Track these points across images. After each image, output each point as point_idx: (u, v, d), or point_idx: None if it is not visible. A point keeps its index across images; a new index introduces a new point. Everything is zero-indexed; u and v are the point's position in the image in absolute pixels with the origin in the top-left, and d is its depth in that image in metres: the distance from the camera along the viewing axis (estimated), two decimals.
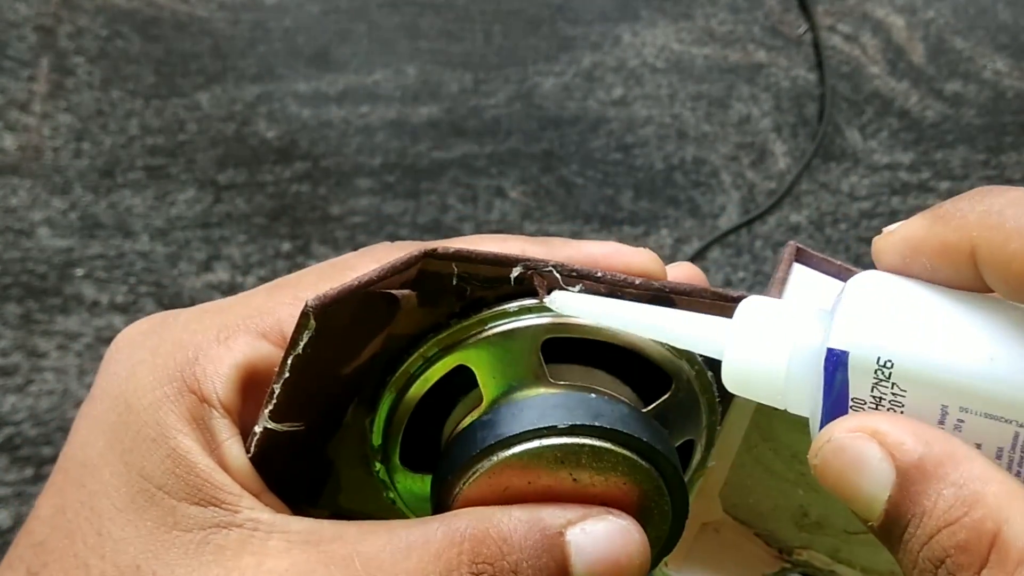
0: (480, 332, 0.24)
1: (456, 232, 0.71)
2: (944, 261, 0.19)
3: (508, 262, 0.24)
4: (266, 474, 0.23)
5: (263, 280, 0.69)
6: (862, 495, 0.19)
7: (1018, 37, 0.84)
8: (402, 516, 0.27)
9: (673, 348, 0.25)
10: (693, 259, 0.71)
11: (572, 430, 0.23)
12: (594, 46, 0.82)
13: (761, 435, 0.30)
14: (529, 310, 0.25)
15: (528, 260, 0.24)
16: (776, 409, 0.22)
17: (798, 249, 0.27)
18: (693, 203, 0.74)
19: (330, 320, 0.22)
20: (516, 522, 0.22)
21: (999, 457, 0.18)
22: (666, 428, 0.25)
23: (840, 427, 0.19)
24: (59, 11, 0.79)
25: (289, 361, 0.22)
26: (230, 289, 0.68)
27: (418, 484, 0.26)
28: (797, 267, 0.24)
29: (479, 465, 0.23)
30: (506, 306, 0.25)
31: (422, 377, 0.25)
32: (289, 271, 0.78)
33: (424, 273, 0.24)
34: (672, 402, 0.26)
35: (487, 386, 0.24)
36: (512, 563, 0.21)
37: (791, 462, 0.30)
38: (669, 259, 0.75)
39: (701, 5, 0.86)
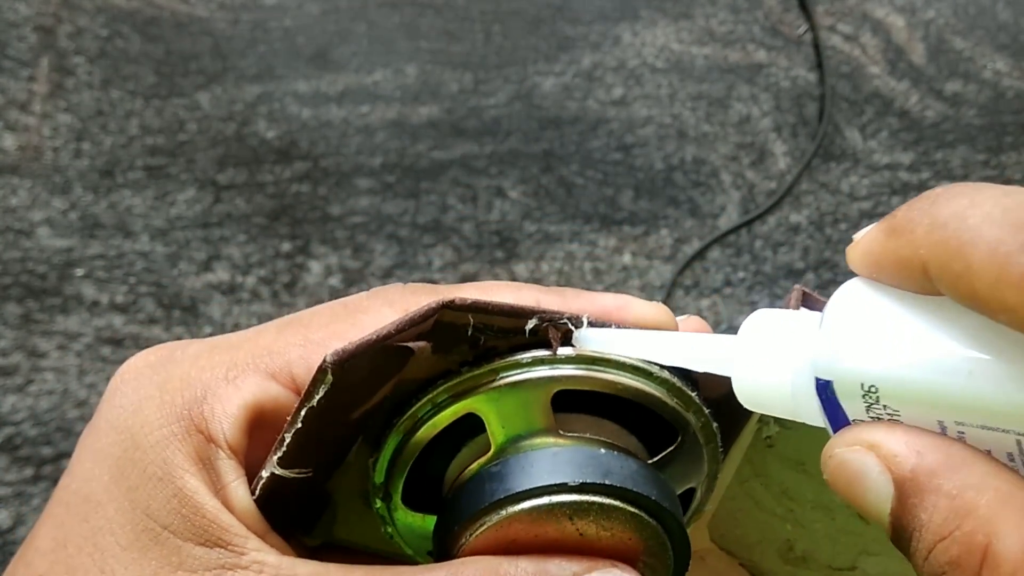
0: (492, 381, 0.25)
1: (456, 232, 0.71)
2: (903, 276, 0.19)
3: (524, 314, 0.25)
4: (269, 512, 0.23)
5: (263, 280, 0.69)
6: (868, 509, 0.19)
7: (1018, 37, 0.84)
8: (399, 551, 0.27)
9: (681, 401, 0.26)
10: (693, 259, 0.71)
11: (583, 488, 0.23)
12: (594, 46, 0.82)
13: (753, 470, 0.30)
14: (542, 361, 0.25)
15: (543, 312, 0.25)
16: (770, 447, 0.22)
17: (804, 293, 0.27)
18: (693, 203, 0.74)
19: (347, 374, 0.23)
20: (523, 573, 0.22)
21: (1011, 461, 0.18)
22: (670, 476, 0.25)
23: (840, 441, 0.19)
24: (59, 11, 0.79)
25: (303, 413, 0.22)
26: (230, 289, 0.68)
27: (418, 521, 0.26)
28: (804, 311, 0.24)
29: (487, 518, 0.23)
30: (519, 356, 0.25)
31: (430, 422, 0.25)
32: (289, 271, 0.78)
33: (440, 323, 0.24)
34: (678, 453, 0.26)
35: (496, 434, 0.25)
36: None
37: (780, 498, 0.30)
38: (669, 259, 0.75)
39: (701, 5, 0.85)
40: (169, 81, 0.77)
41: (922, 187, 0.77)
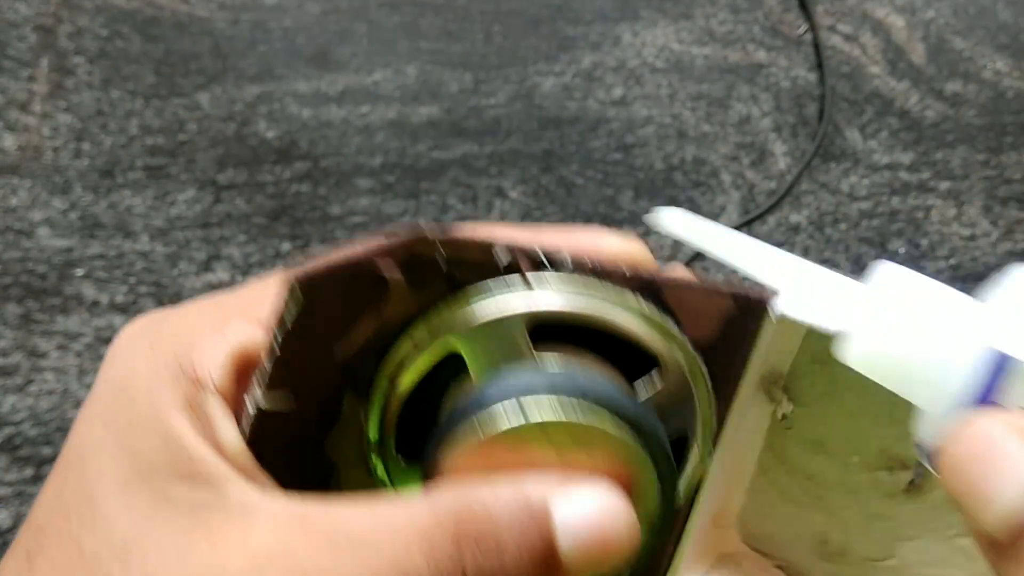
0: (465, 315, 0.25)
1: None
2: None
3: (493, 246, 0.25)
4: (267, 466, 0.23)
5: None
6: (988, 499, 0.17)
7: (1018, 37, 0.84)
8: None
9: (664, 334, 0.25)
10: (693, 259, 0.71)
11: (559, 404, 0.23)
12: (594, 46, 0.82)
13: (775, 456, 0.29)
14: (510, 287, 0.25)
15: (514, 244, 0.25)
16: (788, 429, 0.21)
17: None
18: (693, 203, 0.74)
19: (317, 295, 0.23)
20: (500, 496, 0.22)
21: None
22: (658, 415, 0.25)
23: (990, 417, 0.17)
24: (59, 11, 0.79)
25: (278, 337, 0.23)
26: (230, 289, 0.68)
27: (418, 482, 0.26)
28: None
29: (463, 439, 0.23)
30: (489, 281, 0.25)
31: (413, 365, 0.25)
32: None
33: (414, 258, 0.24)
34: (663, 391, 0.26)
35: (475, 369, 0.25)
36: (497, 540, 0.21)
37: (806, 485, 0.29)
38: (669, 259, 0.75)
39: (701, 5, 0.85)
40: (169, 81, 0.77)
41: (922, 187, 0.77)
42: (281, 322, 0.23)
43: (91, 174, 0.72)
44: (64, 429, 0.62)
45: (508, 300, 0.25)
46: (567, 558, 0.21)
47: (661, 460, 0.24)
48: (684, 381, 0.26)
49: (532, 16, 0.84)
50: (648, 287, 0.25)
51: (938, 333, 0.19)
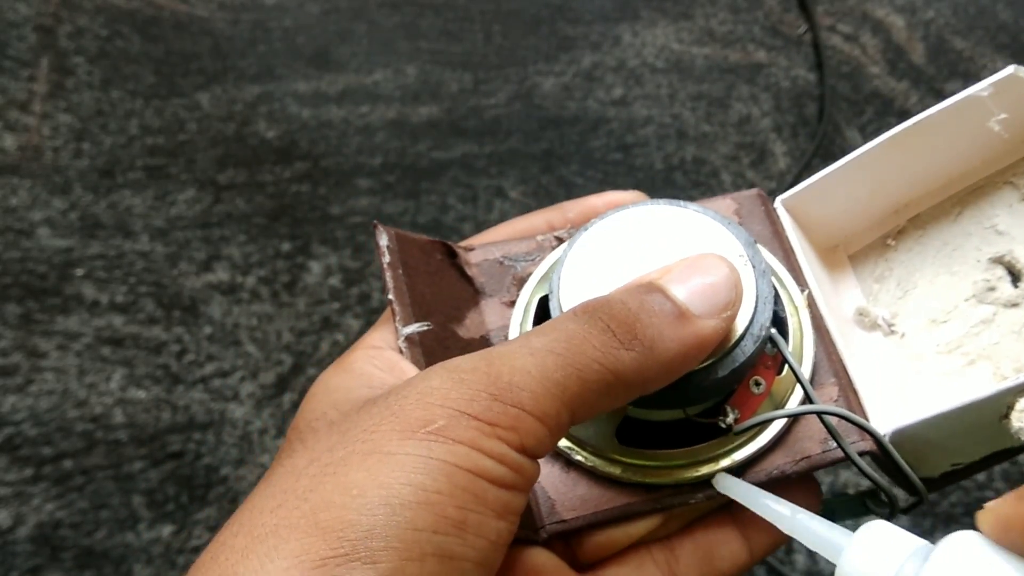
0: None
1: (456, 232, 0.71)
2: None
3: (531, 235, 0.33)
4: None
5: (263, 280, 0.69)
6: None
7: (1018, 37, 0.84)
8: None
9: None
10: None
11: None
12: (594, 46, 0.82)
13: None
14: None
15: (543, 234, 0.33)
16: (902, 336, 0.28)
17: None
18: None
19: (402, 244, 0.30)
20: (615, 291, 0.26)
21: None
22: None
23: None
24: (59, 11, 0.79)
25: (387, 274, 0.30)
26: (230, 289, 0.68)
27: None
28: (915, 538, 0.25)
29: None
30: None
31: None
32: (289, 271, 0.78)
33: (474, 263, 0.33)
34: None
35: None
36: (619, 301, 0.25)
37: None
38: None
39: (701, 5, 0.85)
40: (169, 81, 0.77)
41: None
42: (383, 256, 0.30)
43: (91, 174, 0.72)
44: (64, 429, 0.62)
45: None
46: (688, 302, 0.25)
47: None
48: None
49: (532, 16, 0.84)
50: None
51: None
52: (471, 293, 0.32)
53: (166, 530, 0.58)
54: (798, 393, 0.30)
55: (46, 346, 0.64)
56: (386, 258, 0.30)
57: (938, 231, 0.34)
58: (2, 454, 0.61)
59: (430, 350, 0.29)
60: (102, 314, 0.66)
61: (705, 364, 0.27)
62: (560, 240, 0.33)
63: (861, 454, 0.28)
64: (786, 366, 0.30)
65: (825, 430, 0.28)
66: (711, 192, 0.75)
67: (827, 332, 0.31)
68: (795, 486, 0.30)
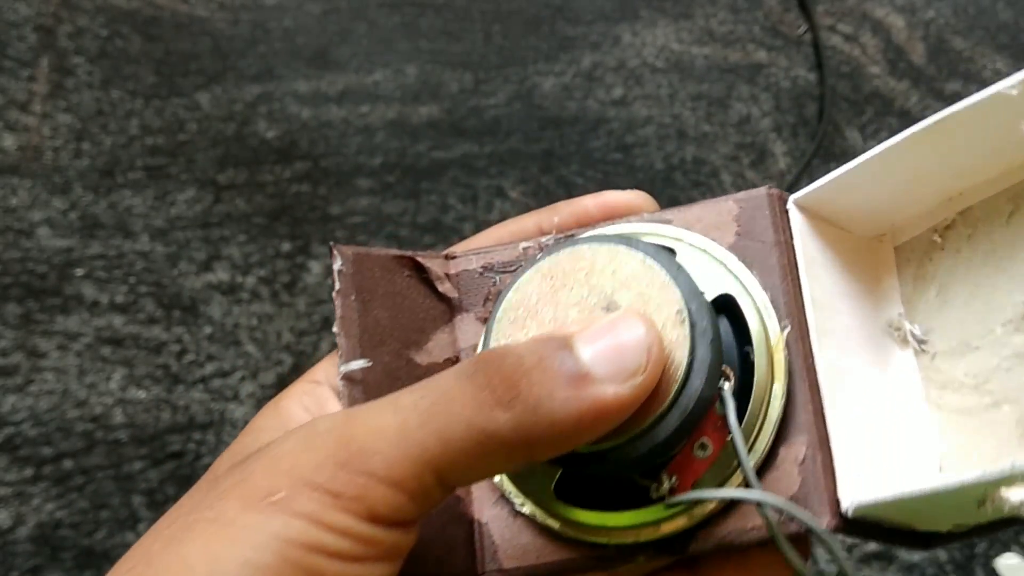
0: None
1: (456, 232, 0.71)
2: None
3: (514, 243, 0.31)
4: None
5: (263, 280, 0.69)
6: None
7: (1018, 37, 0.84)
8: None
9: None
10: None
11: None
12: (594, 46, 0.82)
13: (939, 388, 0.30)
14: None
15: (529, 240, 0.31)
16: (933, 357, 0.25)
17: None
18: (693, 203, 0.75)
19: (361, 269, 0.29)
20: (525, 339, 0.25)
21: None
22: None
23: None
24: (59, 11, 0.79)
25: (335, 300, 0.28)
26: (230, 289, 0.68)
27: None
28: None
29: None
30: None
31: None
32: (289, 271, 0.78)
33: (453, 274, 0.31)
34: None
35: None
36: (517, 354, 0.23)
37: (976, 389, 0.29)
38: None
39: (701, 5, 0.85)
40: (169, 81, 0.77)
41: None
42: (334, 284, 0.28)
43: (91, 174, 0.72)
44: (64, 429, 0.62)
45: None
46: (589, 364, 0.23)
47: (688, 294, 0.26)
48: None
49: (532, 16, 0.84)
50: (656, 220, 0.30)
51: None
52: (441, 311, 0.31)
53: None
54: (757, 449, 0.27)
55: (46, 346, 0.64)
56: (336, 285, 0.28)
57: (988, 233, 0.29)
58: (2, 454, 0.61)
59: (375, 385, 0.28)
60: (102, 314, 0.66)
61: (619, 440, 0.24)
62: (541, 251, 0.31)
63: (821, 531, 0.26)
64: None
65: (787, 494, 0.26)
66: (711, 192, 0.75)
67: (812, 371, 0.27)
68: (768, 552, 0.27)
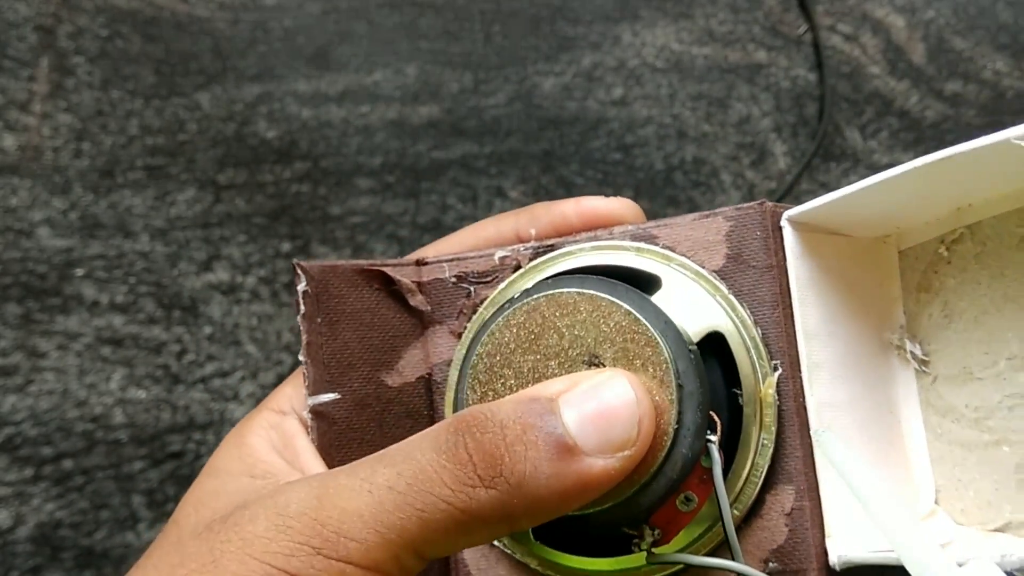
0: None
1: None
2: None
3: (490, 250, 0.30)
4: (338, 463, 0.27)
5: (263, 280, 0.69)
6: None
7: (1018, 37, 0.84)
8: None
9: (663, 259, 0.28)
10: None
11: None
12: (594, 46, 0.82)
13: (938, 413, 0.28)
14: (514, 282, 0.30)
15: (504, 247, 0.30)
16: (934, 379, 0.23)
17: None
18: (693, 203, 0.75)
19: (324, 286, 0.27)
20: (506, 400, 0.23)
21: None
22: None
23: None
24: (59, 11, 0.79)
25: (301, 323, 0.27)
26: (230, 289, 0.68)
27: None
28: None
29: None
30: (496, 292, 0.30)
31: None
32: (289, 271, 0.78)
33: (425, 283, 0.29)
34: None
35: None
36: (498, 421, 0.22)
37: (977, 421, 0.28)
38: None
39: (701, 5, 0.85)
40: (169, 81, 0.77)
41: None
42: (298, 307, 0.27)
43: (91, 174, 0.72)
44: (64, 429, 0.62)
45: (510, 287, 0.30)
46: (577, 434, 0.22)
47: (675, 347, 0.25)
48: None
49: (532, 16, 0.84)
50: (639, 236, 0.28)
51: None
52: (412, 324, 0.29)
53: None
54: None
55: (46, 346, 0.64)
56: (301, 308, 0.27)
57: (997, 255, 0.28)
58: (2, 454, 0.61)
59: (344, 418, 0.27)
60: (102, 314, 0.66)
61: (602, 506, 0.24)
62: (519, 266, 0.29)
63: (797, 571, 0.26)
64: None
65: (773, 545, 0.25)
66: (711, 192, 0.75)
67: (803, 411, 0.26)
68: None
